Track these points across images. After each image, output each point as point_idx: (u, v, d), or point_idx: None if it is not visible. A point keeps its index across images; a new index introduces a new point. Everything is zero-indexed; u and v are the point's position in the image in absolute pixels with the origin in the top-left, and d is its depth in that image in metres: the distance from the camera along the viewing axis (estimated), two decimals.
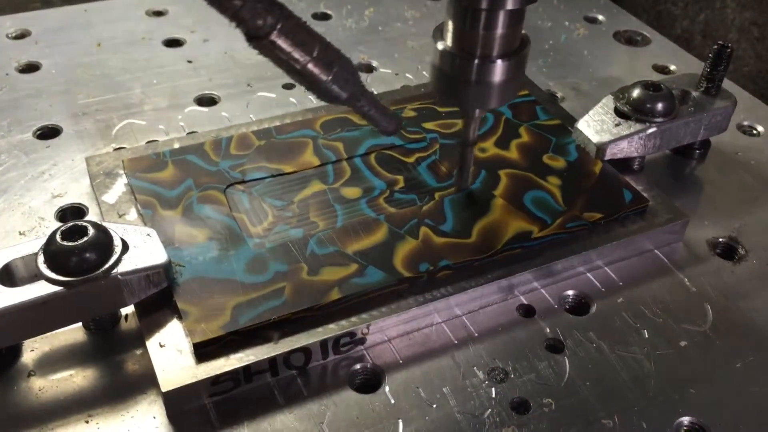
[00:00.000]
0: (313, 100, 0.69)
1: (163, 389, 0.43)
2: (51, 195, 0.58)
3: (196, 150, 0.58)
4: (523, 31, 0.48)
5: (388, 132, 0.49)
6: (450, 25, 0.47)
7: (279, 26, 0.41)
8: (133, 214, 0.54)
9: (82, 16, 0.81)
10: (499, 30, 0.46)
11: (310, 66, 0.43)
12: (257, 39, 0.41)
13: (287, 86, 0.71)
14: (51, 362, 0.47)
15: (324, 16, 0.84)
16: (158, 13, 0.82)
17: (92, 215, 0.56)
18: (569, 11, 0.86)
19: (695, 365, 0.48)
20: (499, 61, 0.47)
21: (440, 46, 0.48)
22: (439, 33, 0.48)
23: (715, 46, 0.60)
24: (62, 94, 0.69)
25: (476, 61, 0.47)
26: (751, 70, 1.20)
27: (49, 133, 0.65)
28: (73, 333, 0.48)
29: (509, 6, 0.44)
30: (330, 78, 0.43)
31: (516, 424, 0.44)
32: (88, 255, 0.44)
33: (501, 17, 0.45)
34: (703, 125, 0.61)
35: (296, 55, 0.42)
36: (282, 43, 0.41)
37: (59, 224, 0.55)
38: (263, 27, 0.40)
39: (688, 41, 1.22)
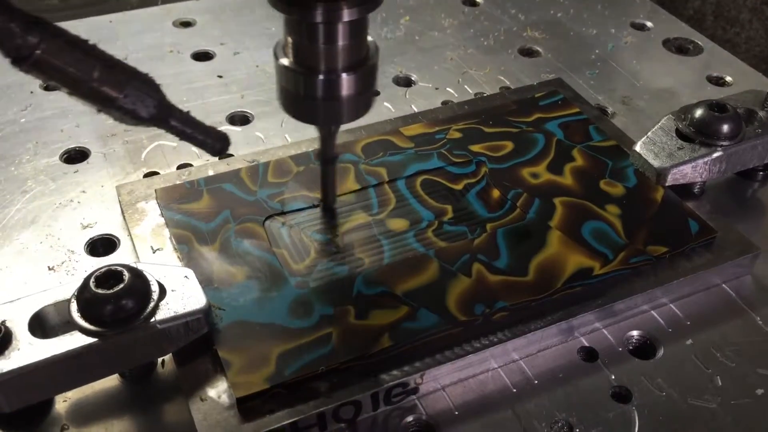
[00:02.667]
0: None
1: None
2: (80, 225, 0.55)
3: (232, 178, 0.55)
4: (369, 38, 0.45)
5: (215, 151, 0.46)
6: (289, 40, 0.44)
7: (42, 46, 0.37)
8: (167, 249, 0.51)
9: (107, 27, 0.78)
10: (341, 42, 0.43)
11: (94, 86, 0.39)
12: (19, 61, 0.37)
13: None
14: (85, 414, 0.44)
15: None
16: (186, 24, 0.79)
17: (124, 248, 0.53)
18: (615, 17, 0.81)
19: None
20: (344, 75, 0.44)
21: (283, 62, 0.44)
22: (280, 49, 0.45)
23: None
24: (89, 114, 0.66)
25: (321, 77, 0.44)
26: (763, 51, 1.15)
27: (76, 156, 0.62)
28: (107, 381, 0.45)
29: (346, 18, 0.41)
30: (122, 96, 0.40)
31: None
32: (124, 302, 0.42)
33: (341, 29, 0.42)
34: None
35: (72, 75, 0.39)
36: (51, 63, 0.38)
37: (89, 258, 0.53)
38: (23, 48, 0.37)
39: (700, 22, 1.17)
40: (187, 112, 0.45)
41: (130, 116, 0.41)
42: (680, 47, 0.77)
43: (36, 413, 0.44)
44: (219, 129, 0.47)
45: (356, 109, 0.47)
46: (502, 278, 0.48)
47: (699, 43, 0.77)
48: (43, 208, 0.57)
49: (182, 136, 0.45)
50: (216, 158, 0.60)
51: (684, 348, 0.48)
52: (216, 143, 0.46)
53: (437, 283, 0.48)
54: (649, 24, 0.81)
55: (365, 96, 0.46)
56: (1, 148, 0.62)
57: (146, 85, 0.41)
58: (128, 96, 0.40)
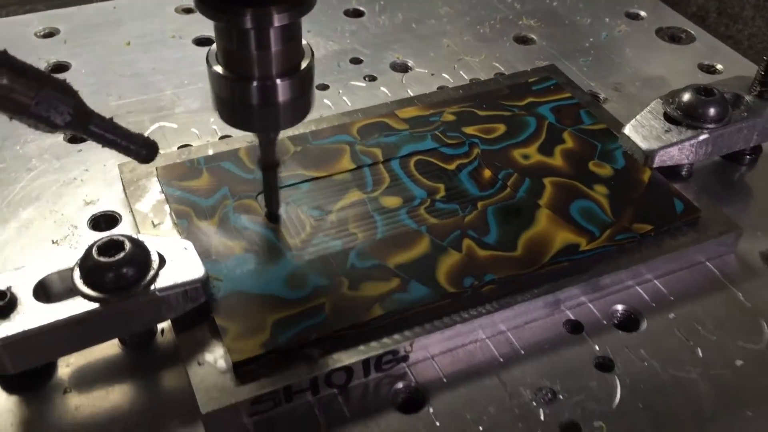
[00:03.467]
0: (348, 102, 0.68)
1: (203, 411, 0.42)
2: (83, 202, 0.57)
3: (231, 157, 0.57)
4: (304, 42, 0.45)
5: (143, 158, 0.45)
6: (221, 47, 0.43)
7: None
8: (167, 224, 0.52)
9: (110, 13, 0.79)
10: (273, 48, 0.42)
11: (4, 92, 0.38)
12: None
13: (321, 87, 0.69)
14: (87, 378, 0.46)
15: (356, 13, 0.81)
16: (188, 10, 0.81)
17: (125, 223, 0.55)
18: (610, 7, 0.83)
19: (752, 386, 0.46)
20: (279, 80, 0.43)
21: (217, 69, 0.44)
22: (213, 56, 0.44)
23: None
24: (92, 95, 0.68)
25: (255, 83, 0.43)
26: (766, 47, 1.16)
27: (79, 137, 0.63)
28: (108, 348, 0.47)
29: (276, 23, 0.40)
30: (33, 103, 0.39)
31: None
32: (125, 271, 0.43)
33: (272, 35, 0.41)
34: (757, 131, 0.58)
35: None
36: None
37: (92, 233, 0.55)
38: None
39: (703, 18, 1.18)
40: (110, 119, 0.43)
41: (44, 123, 0.40)
42: (673, 36, 0.79)
43: (39, 377, 0.45)
44: (147, 136, 0.46)
45: (294, 115, 0.46)
46: (491, 253, 0.50)
47: (691, 32, 0.79)
48: (47, 185, 0.58)
49: (104, 142, 0.44)
50: (218, 137, 0.62)
51: (667, 321, 0.50)
52: (141, 150, 0.45)
53: (428, 257, 0.50)
54: (642, 13, 0.82)
55: (303, 101, 0.46)
56: (6, 128, 0.63)
57: (60, 91, 0.40)
58: (40, 103, 0.39)
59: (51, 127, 0.40)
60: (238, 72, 0.43)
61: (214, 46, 0.44)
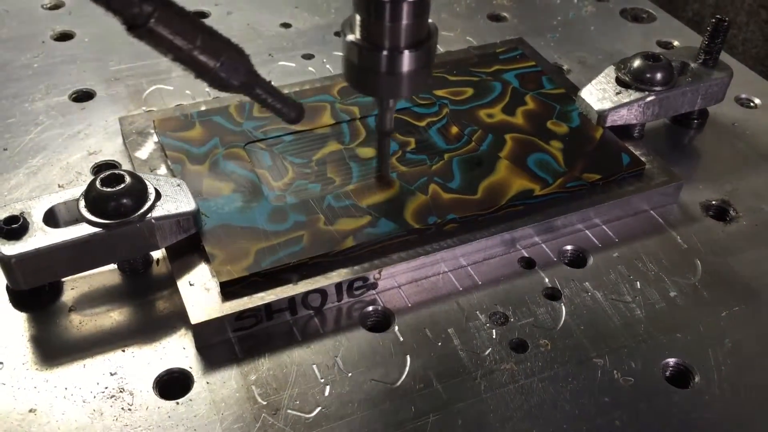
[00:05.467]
0: (331, 69, 0.73)
1: (193, 322, 0.47)
2: (87, 152, 0.62)
3: (222, 112, 0.62)
4: (430, 21, 0.50)
5: (291, 120, 0.50)
6: (357, 18, 0.48)
7: (156, 15, 0.41)
8: (163, 170, 0.58)
9: None
10: (405, 21, 0.47)
11: (195, 54, 0.43)
12: (135, 28, 0.41)
13: (306, 56, 0.75)
14: (89, 300, 0.51)
15: None
16: None
17: None
18: None
19: (683, 313, 0.52)
20: (407, 52, 0.48)
21: (350, 38, 0.49)
22: (348, 26, 0.50)
23: (713, 20, 0.64)
24: (95, 61, 0.73)
25: (385, 52, 0.48)
26: (759, 52, 1.22)
27: (83, 96, 0.69)
28: (109, 275, 0.53)
29: None
30: (218, 65, 0.44)
31: (514, 362, 0.48)
32: (125, 200, 0.49)
33: (405, 9, 0.47)
34: (700, 95, 0.64)
35: (178, 43, 0.42)
36: (161, 31, 0.41)
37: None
38: (139, 16, 0.40)
39: (698, 24, 1.24)
40: (269, 82, 0.48)
41: (222, 83, 0.45)
42: (635, 16, 0.84)
43: (47, 296, 0.51)
44: (296, 101, 0.51)
45: (416, 84, 0.51)
46: (454, 196, 0.56)
47: (653, 12, 0.84)
48: (53, 137, 0.64)
49: (264, 103, 0.49)
50: (210, 98, 0.68)
51: (611, 260, 0.56)
52: (291, 112, 0.50)
53: (397, 198, 0.55)
54: None
55: (424, 72, 0.50)
56: (16, 87, 0.69)
57: (239, 58, 0.45)
58: (223, 65, 0.44)
59: (226, 88, 0.45)
60: (371, 41, 0.48)
61: (350, 16, 0.50)
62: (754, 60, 1.23)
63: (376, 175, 0.57)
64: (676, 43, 0.80)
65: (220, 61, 0.44)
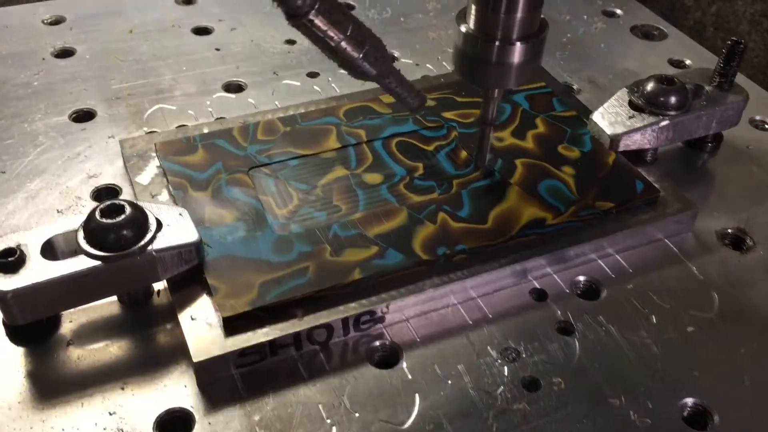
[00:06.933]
0: (336, 89, 0.72)
1: (195, 359, 0.46)
2: (87, 175, 0.61)
3: (225, 135, 0.61)
4: (542, 16, 0.51)
5: (413, 108, 0.52)
6: (473, 9, 0.50)
7: (317, 6, 0.43)
8: (164, 195, 0.56)
9: (114, 3, 0.83)
10: (519, 14, 0.49)
11: (343, 44, 0.45)
12: (296, 18, 0.43)
13: (311, 75, 0.73)
14: (88, 333, 0.50)
15: (347, 8, 0.85)
16: (188, 2, 0.85)
17: (126, 195, 0.59)
18: (588, 5, 0.87)
19: (700, 350, 0.50)
20: (518, 44, 0.50)
21: (463, 28, 0.51)
22: (462, 16, 0.51)
23: (729, 42, 0.62)
24: (96, 79, 0.72)
25: (497, 43, 0.50)
26: (761, 62, 1.20)
27: (83, 116, 0.68)
28: (108, 307, 0.51)
29: None
30: (361, 56, 0.46)
31: (527, 401, 0.47)
32: (125, 232, 0.47)
33: (521, 2, 0.48)
34: (715, 119, 0.62)
35: (331, 33, 0.44)
36: (319, 22, 0.43)
37: (95, 203, 0.58)
38: (302, 6, 0.42)
39: (700, 33, 1.23)
40: (398, 71, 0.50)
41: (361, 72, 0.46)
42: (646, 33, 0.83)
43: (44, 330, 0.49)
44: (419, 90, 0.52)
45: (524, 76, 0.52)
46: (464, 225, 0.54)
47: (664, 29, 0.83)
48: (52, 159, 0.62)
49: (391, 91, 0.50)
50: (213, 119, 0.66)
51: (625, 292, 0.54)
52: (415, 101, 0.51)
53: (405, 227, 0.54)
54: (619, 12, 0.86)
55: (532, 65, 0.52)
56: (15, 107, 0.68)
57: (379, 45, 0.47)
58: (366, 55, 0.46)
59: (363, 75, 0.47)
60: (484, 32, 0.50)
61: (465, 7, 0.51)
62: (756, 70, 1.21)
63: (377, 201, 0.56)
64: (688, 61, 0.78)
65: (363, 51, 0.45)
